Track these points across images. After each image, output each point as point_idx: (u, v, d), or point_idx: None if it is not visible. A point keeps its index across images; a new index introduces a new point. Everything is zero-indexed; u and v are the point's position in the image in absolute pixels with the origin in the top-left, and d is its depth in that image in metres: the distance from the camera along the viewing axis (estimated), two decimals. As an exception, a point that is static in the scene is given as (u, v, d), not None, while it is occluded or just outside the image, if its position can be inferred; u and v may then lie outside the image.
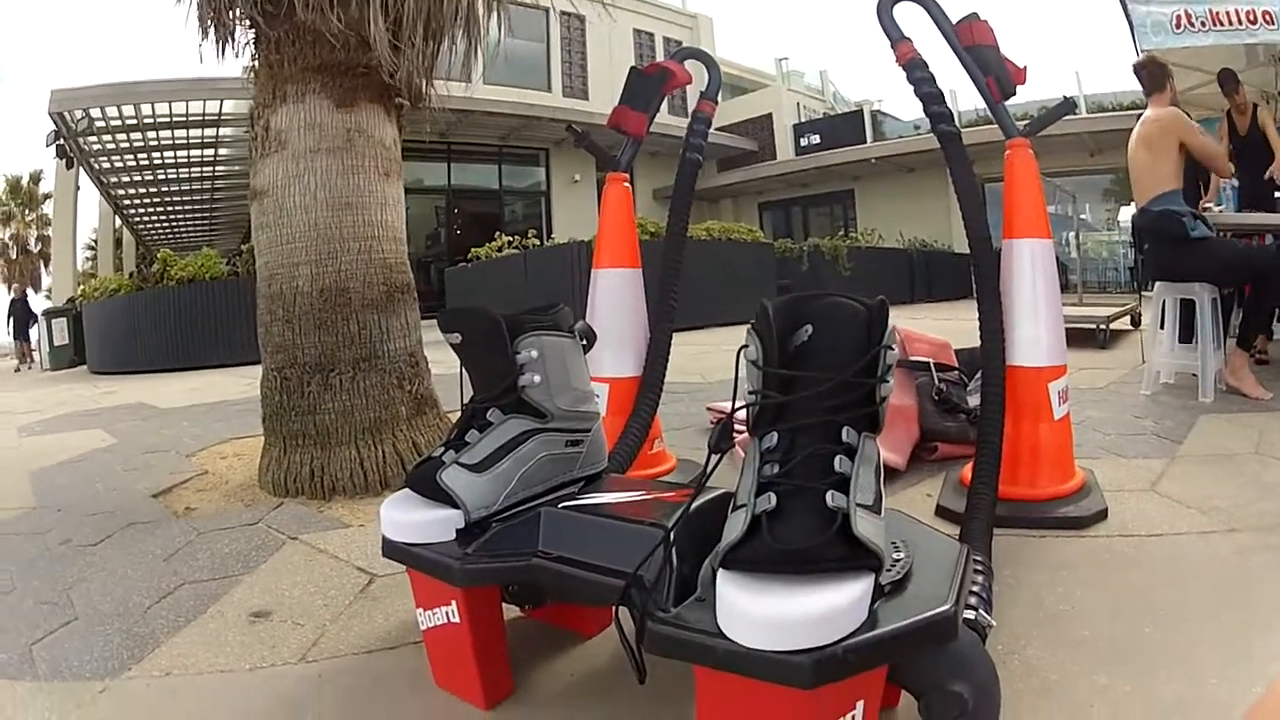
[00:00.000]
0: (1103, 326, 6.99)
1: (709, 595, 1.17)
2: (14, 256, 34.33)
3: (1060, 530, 2.38)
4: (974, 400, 3.04)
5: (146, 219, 21.37)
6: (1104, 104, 19.21)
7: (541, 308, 1.69)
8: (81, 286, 15.63)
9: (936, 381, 3.26)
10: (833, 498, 1.13)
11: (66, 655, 1.92)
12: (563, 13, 21.09)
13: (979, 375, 2.42)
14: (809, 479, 1.16)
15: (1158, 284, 4.58)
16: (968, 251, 2.43)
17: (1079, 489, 2.59)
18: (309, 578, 2.34)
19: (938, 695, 1.20)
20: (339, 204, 3.24)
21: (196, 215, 21.55)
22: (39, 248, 32.98)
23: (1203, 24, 6.07)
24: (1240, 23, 5.95)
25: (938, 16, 2.63)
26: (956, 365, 3.43)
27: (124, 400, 7.51)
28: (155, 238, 22.79)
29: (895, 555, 1.21)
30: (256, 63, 3.51)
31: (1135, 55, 6.20)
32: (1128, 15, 6.47)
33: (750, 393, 1.24)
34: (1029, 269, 2.56)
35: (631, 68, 3.11)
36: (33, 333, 19.00)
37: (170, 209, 20.60)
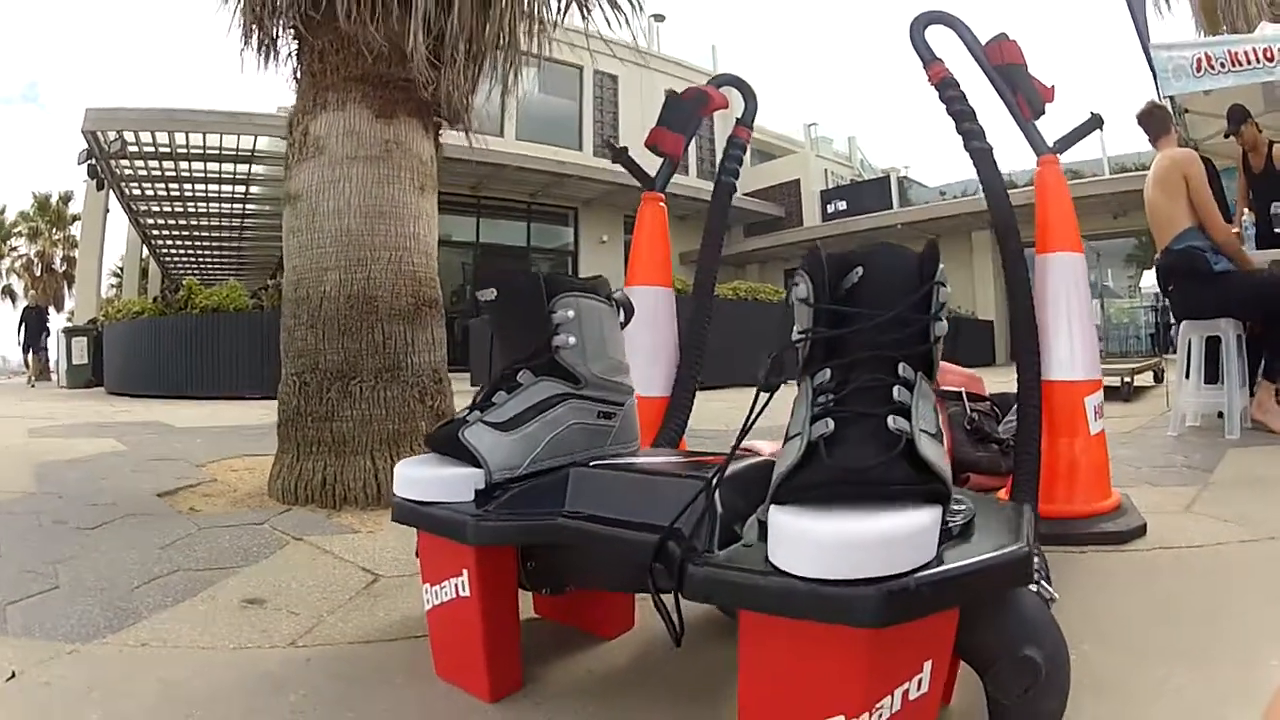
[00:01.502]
0: (1126, 380, 7.05)
1: (756, 542, 1.10)
2: (38, 274, 34.58)
3: (1100, 545, 2.35)
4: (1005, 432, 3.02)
5: (173, 251, 21.50)
6: (1127, 165, 19.22)
7: (581, 278, 1.65)
8: (105, 308, 15.69)
9: (969, 411, 3.22)
10: (894, 421, 1.08)
11: (41, 618, 1.87)
12: (596, 71, 21.29)
13: (1012, 410, 2.40)
14: (867, 406, 1.10)
15: (1184, 324, 4.57)
16: (990, 318, 2.43)
17: (1116, 507, 2.55)
18: (310, 574, 2.28)
19: (1008, 663, 1.12)
20: (372, 212, 3.25)
21: (224, 252, 21.70)
22: (64, 268, 33.25)
23: (1222, 65, 6.08)
24: (1259, 61, 5.96)
25: (967, 38, 2.63)
26: (987, 396, 3.40)
27: (139, 418, 7.52)
28: (181, 271, 22.87)
29: (956, 505, 1.13)
30: (299, 71, 3.56)
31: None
32: (1150, 61, 6.49)
33: (800, 333, 1.20)
34: (1062, 282, 2.54)
35: (669, 90, 3.10)
36: (49, 347, 19.02)
37: (198, 243, 20.74)
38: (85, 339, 15.65)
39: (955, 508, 1.11)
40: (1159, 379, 8.27)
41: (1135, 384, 7.34)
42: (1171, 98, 6.64)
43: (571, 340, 1.57)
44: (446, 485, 1.48)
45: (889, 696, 1.01)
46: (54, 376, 18.07)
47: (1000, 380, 2.34)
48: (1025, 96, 2.57)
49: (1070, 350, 2.51)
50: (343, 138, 3.29)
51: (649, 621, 1.82)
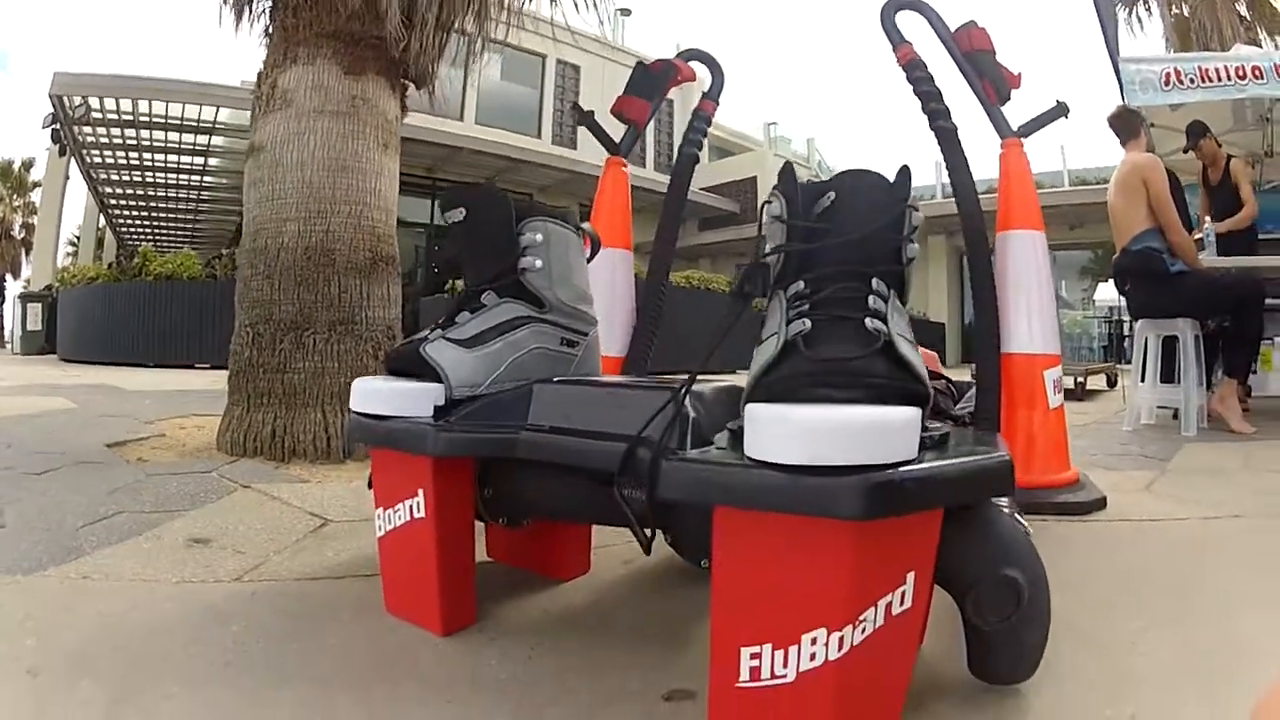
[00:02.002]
0: (1080, 380, 7.19)
1: (730, 448, 1.07)
2: (-3, 241, 34.00)
3: (1060, 515, 2.38)
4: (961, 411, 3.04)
5: (130, 220, 21.21)
6: (1086, 178, 19.47)
7: (550, 206, 1.64)
8: (60, 275, 15.48)
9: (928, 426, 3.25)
10: (871, 323, 1.07)
11: (-18, 553, 1.81)
12: (559, 61, 21.22)
13: (969, 393, 2.42)
14: (844, 310, 1.09)
15: (1140, 322, 4.64)
16: (942, 320, 2.45)
17: (1075, 481, 2.58)
18: (258, 517, 2.25)
19: (989, 585, 1.10)
20: (335, 166, 3.25)
21: (180, 223, 21.42)
22: (22, 235, 32.66)
23: (1191, 80, 6.12)
24: (1230, 78, 6.02)
25: (937, 24, 2.65)
26: (943, 374, 3.43)
27: (90, 381, 7.46)
28: (137, 242, 22.55)
29: (930, 424, 1.11)
30: (270, 27, 3.56)
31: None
32: (1117, 73, 6.55)
33: (773, 248, 1.19)
34: (1023, 259, 2.57)
35: (638, 62, 3.12)
36: (1, 316, 18.67)
37: (155, 214, 20.47)
38: (40, 305, 15.44)
39: (930, 424, 1.10)
40: (1112, 384, 8.40)
41: (1089, 386, 7.48)
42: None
43: (538, 263, 1.55)
44: (406, 400, 1.44)
45: (872, 608, 0.99)
46: (7, 345, 17.75)
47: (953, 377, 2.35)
48: (992, 82, 2.60)
49: (1029, 324, 2.53)
50: (310, 91, 3.29)
51: (605, 566, 1.82)
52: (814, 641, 0.97)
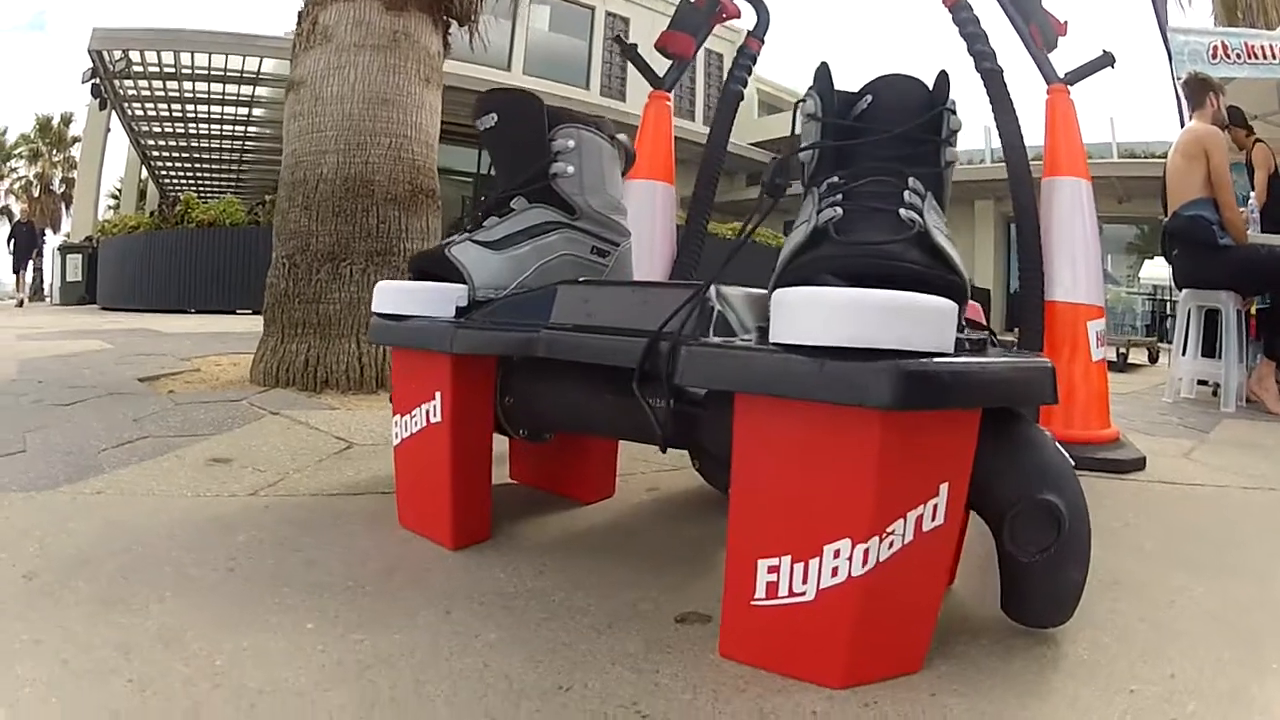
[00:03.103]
0: (1122, 351, 7.16)
1: (756, 342, 1.01)
2: (36, 194, 34.31)
3: (1098, 472, 2.30)
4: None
5: (172, 173, 21.22)
6: (1135, 151, 19.08)
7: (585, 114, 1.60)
8: (101, 226, 15.54)
9: (967, 333, 3.19)
10: (906, 213, 1.02)
11: (0, 475, 1.80)
12: (608, 13, 21.01)
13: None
14: (879, 202, 1.04)
15: (1184, 292, 4.54)
16: (988, 287, 2.40)
17: (1115, 439, 2.51)
18: (282, 440, 2.24)
19: (1027, 509, 1.03)
20: (375, 99, 3.22)
21: (224, 174, 21.41)
22: (62, 189, 32.98)
23: (1238, 56, 6.02)
24: (1276, 57, 5.89)
25: (984, -36, 2.58)
26: (986, 325, 3.37)
27: (129, 326, 7.38)
28: (179, 192, 22.69)
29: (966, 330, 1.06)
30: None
31: (1172, 89, 6.17)
32: (1166, 43, 6.43)
33: (805, 146, 1.15)
34: (1069, 207, 2.50)
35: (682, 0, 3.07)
36: (42, 268, 18.70)
37: (198, 165, 20.47)
38: (80, 256, 15.44)
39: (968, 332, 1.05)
40: (1154, 359, 8.29)
41: (1130, 359, 7.40)
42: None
43: (570, 169, 1.51)
44: (427, 299, 1.42)
45: (901, 520, 0.92)
46: (47, 298, 17.85)
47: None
48: (1039, 26, 2.55)
49: (1074, 272, 2.47)
50: (351, 27, 3.25)
51: (629, 491, 1.79)
52: (837, 554, 0.92)
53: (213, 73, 15.43)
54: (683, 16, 2.97)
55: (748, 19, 3.07)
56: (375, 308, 1.50)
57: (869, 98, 1.13)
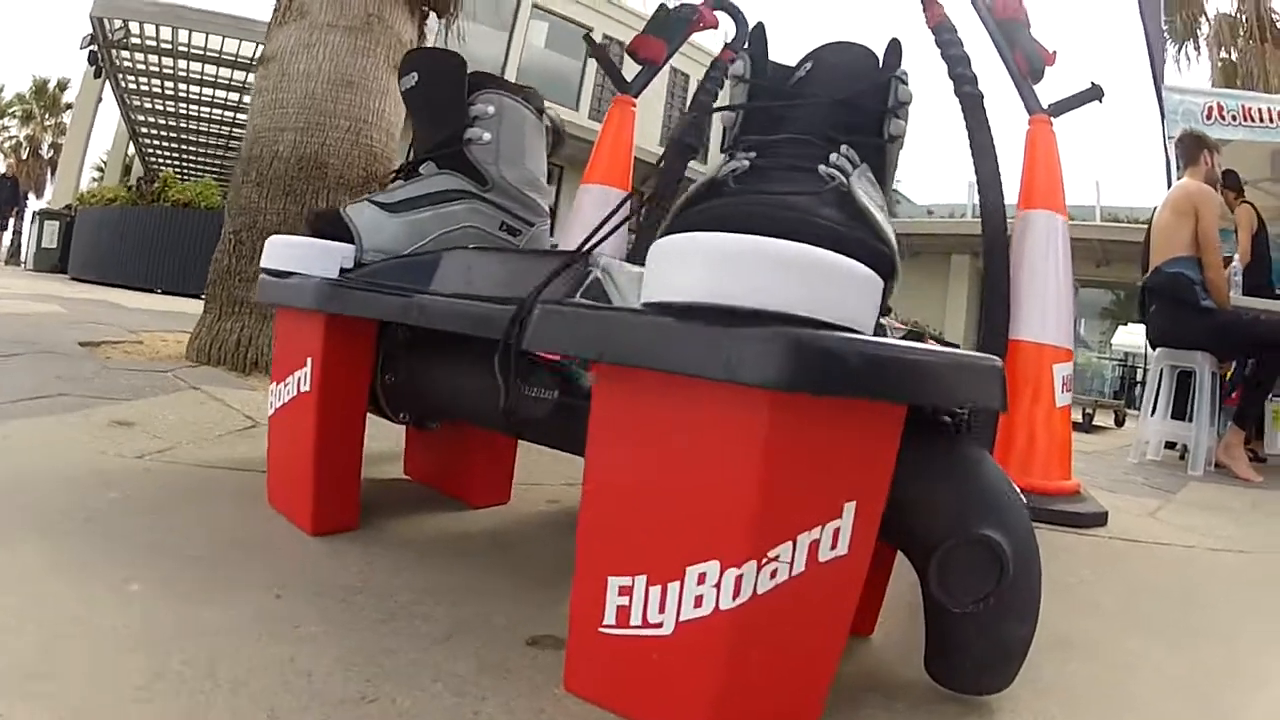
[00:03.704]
0: (1089, 411, 7.06)
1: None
2: (25, 157, 34.13)
3: (1055, 526, 2.15)
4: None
5: (159, 151, 21.07)
6: (1119, 215, 19.09)
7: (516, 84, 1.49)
8: (80, 194, 15.41)
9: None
10: (826, 169, 0.87)
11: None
12: (605, 35, 21.02)
13: None
14: (797, 159, 0.89)
15: (1158, 350, 4.45)
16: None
17: (1075, 491, 2.37)
18: (193, 413, 2.18)
19: (961, 546, 0.86)
20: (341, 80, 3.13)
21: (209, 157, 21.25)
22: (50, 154, 32.83)
23: (1234, 118, 5.97)
24: (1273, 121, 5.84)
25: (972, -12, 2.48)
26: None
27: (92, 296, 7.35)
28: (162, 170, 22.60)
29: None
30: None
31: (1163, 149, 6.13)
32: (1160, 100, 6.37)
33: (722, 106, 1.00)
34: (1043, 242, 2.39)
35: (661, 4, 2.99)
36: (20, 232, 18.47)
37: (184, 144, 20.30)
38: (58, 223, 15.29)
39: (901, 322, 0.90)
40: (1120, 423, 8.27)
41: (1096, 421, 7.32)
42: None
43: (485, 136, 1.40)
44: (312, 256, 1.30)
45: (789, 544, 0.75)
46: (23, 262, 17.67)
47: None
48: (1025, 54, 2.45)
49: (1042, 311, 2.34)
50: (327, 4, 3.17)
51: (527, 500, 1.69)
52: (701, 579, 0.74)
53: (208, 53, 15.38)
54: (658, 22, 2.89)
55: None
56: (263, 263, 1.39)
57: (810, 64, 0.99)
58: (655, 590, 0.77)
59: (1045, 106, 2.47)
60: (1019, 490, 0.93)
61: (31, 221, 16.94)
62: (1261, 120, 6.02)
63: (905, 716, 0.90)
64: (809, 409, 0.71)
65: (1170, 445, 4.79)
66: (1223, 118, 6.06)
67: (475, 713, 0.80)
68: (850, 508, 0.78)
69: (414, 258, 1.30)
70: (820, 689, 0.83)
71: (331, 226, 1.33)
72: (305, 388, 1.29)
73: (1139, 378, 12.33)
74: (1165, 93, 6.41)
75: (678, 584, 0.75)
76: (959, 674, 0.92)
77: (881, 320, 0.84)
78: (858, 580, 0.83)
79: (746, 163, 0.88)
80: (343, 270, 1.29)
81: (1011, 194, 2.37)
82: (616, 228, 0.97)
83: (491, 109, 1.40)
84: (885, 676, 1.01)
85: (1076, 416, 6.65)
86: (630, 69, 2.94)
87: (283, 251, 1.34)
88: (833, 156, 0.89)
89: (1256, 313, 4.29)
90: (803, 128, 0.92)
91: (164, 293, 10.11)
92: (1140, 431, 4.58)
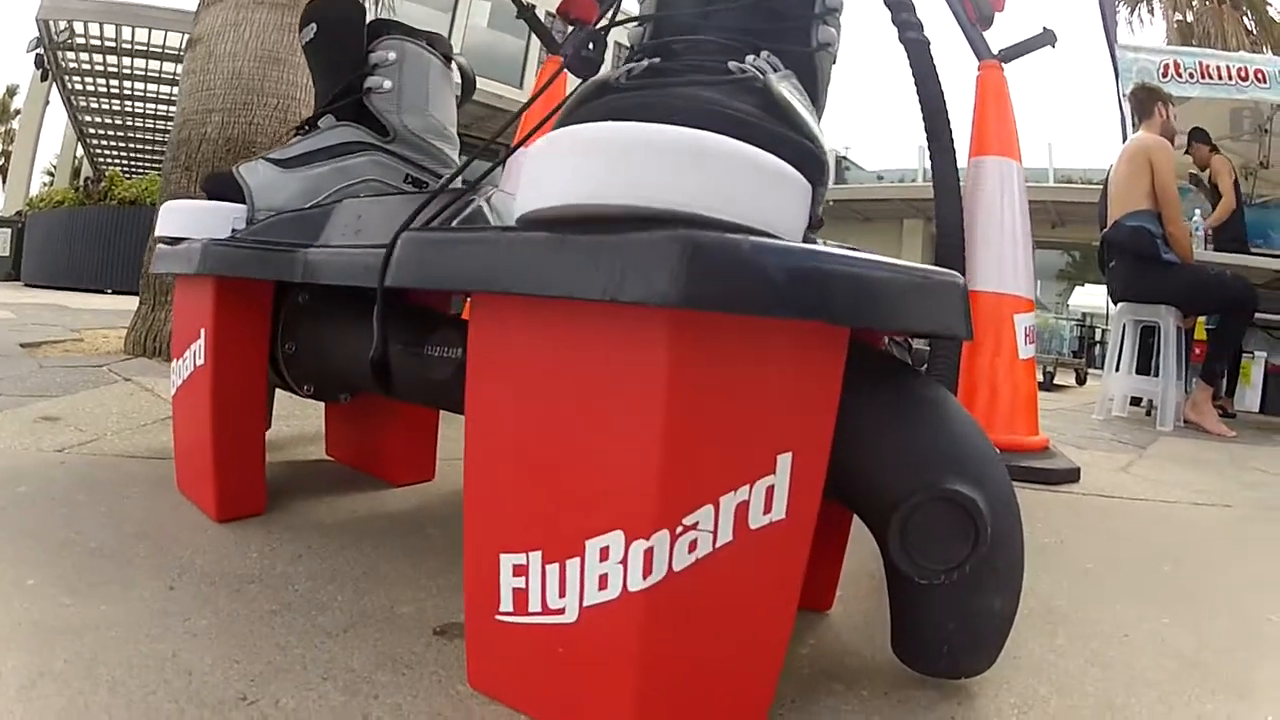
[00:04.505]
0: (1049, 370, 7.11)
1: None
2: (-24, 166, 33.76)
3: (1025, 483, 2.04)
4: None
5: (107, 150, 20.80)
6: (1072, 177, 19.11)
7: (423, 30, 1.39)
8: (29, 200, 15.24)
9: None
10: (738, 65, 0.74)
11: None
12: (548, 12, 20.88)
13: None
14: (704, 59, 0.77)
15: (1120, 304, 4.37)
16: None
17: (1044, 447, 2.28)
18: (119, 404, 2.13)
19: (926, 505, 0.72)
20: (267, 57, 3.11)
21: (157, 155, 21.03)
22: (1, 162, 32.45)
23: (1191, 75, 5.89)
24: (1231, 78, 5.78)
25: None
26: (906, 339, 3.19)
27: (41, 301, 7.38)
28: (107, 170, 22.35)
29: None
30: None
31: (1118, 109, 6.07)
32: (1114, 59, 6.30)
33: (627, 19, 0.87)
34: (998, 188, 2.30)
35: (591, -36, 2.90)
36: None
37: (131, 144, 20.02)
38: (9, 231, 15.13)
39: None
40: (1081, 381, 8.28)
41: (1057, 380, 7.35)
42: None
43: (386, 84, 1.31)
44: (203, 219, 1.21)
45: (710, 508, 0.61)
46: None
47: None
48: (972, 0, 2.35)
49: (999, 260, 2.26)
50: (252, -18, 3.15)
51: (454, 478, 1.60)
52: (605, 554, 0.62)
53: (151, 49, 15.24)
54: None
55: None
56: (157, 231, 1.30)
57: None
58: (553, 569, 0.65)
59: (996, 52, 2.40)
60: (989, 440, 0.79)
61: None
62: (1220, 78, 5.94)
63: (870, 704, 0.78)
64: (721, 336, 0.60)
65: (1135, 402, 4.76)
66: (1179, 75, 5.97)
67: (364, 715, 0.70)
68: (785, 461, 0.64)
69: (304, 212, 1.21)
70: (765, 679, 0.70)
71: (223, 187, 1.24)
72: (200, 361, 1.19)
73: (1098, 338, 12.31)
74: (1119, 51, 6.31)
75: (577, 561, 0.63)
76: (931, 655, 0.78)
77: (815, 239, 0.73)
78: (801, 550, 0.68)
79: (645, 63, 0.77)
80: (234, 231, 1.20)
81: (963, 142, 2.28)
82: (505, 157, 0.86)
83: (392, 55, 1.31)
84: (847, 659, 0.89)
85: (1038, 376, 6.65)
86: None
87: (174, 217, 1.25)
88: (750, 58, 0.76)
89: (1221, 269, 4.24)
90: (715, 33, 0.80)
91: (114, 293, 10.13)
92: (1104, 388, 4.51)
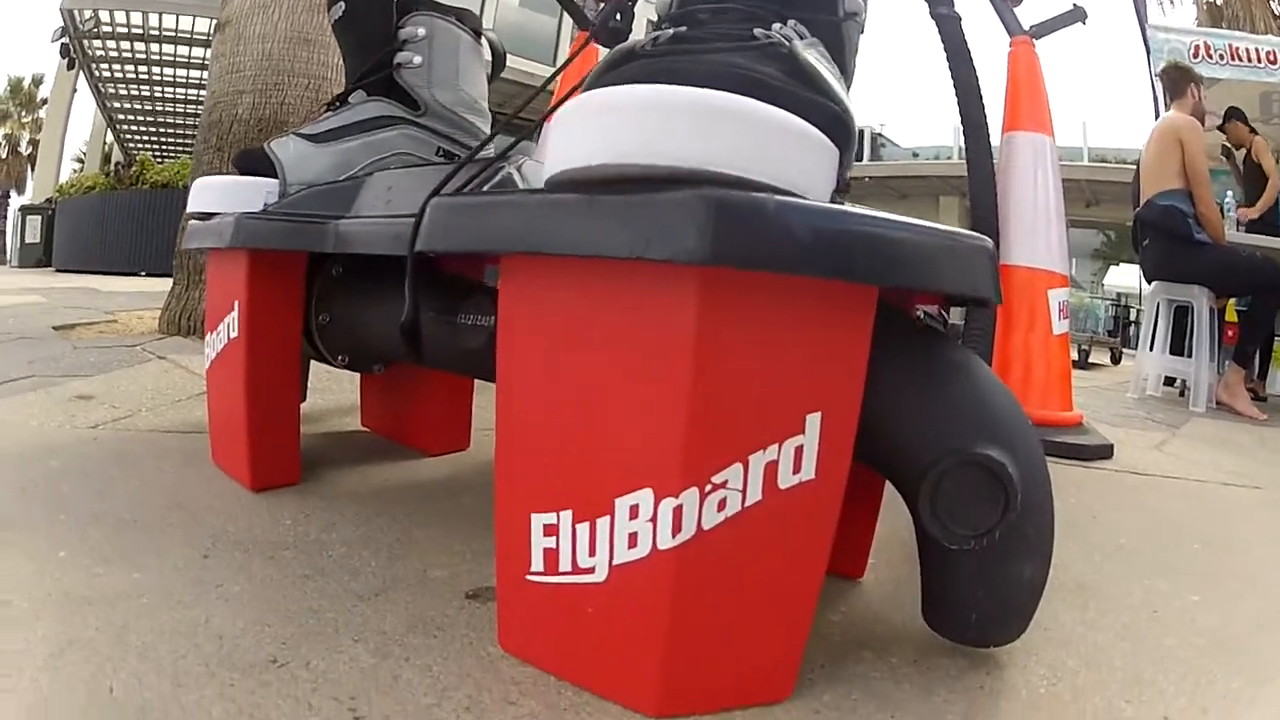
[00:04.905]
0: (1084, 348, 7.07)
1: None
2: (4, 156, 34.00)
3: (1058, 459, 2.02)
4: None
5: (137, 137, 20.91)
6: (1106, 156, 18.89)
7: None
8: (59, 186, 15.33)
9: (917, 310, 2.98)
10: (763, 32, 0.74)
11: None
12: (580, -8, 20.85)
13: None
14: (729, 27, 0.76)
15: (1154, 284, 4.33)
16: None
17: (1078, 423, 2.26)
18: (154, 382, 2.13)
19: (956, 470, 0.71)
20: (297, 38, 3.10)
21: (187, 139, 21.17)
22: (29, 151, 32.69)
23: (1221, 57, 5.83)
24: (1260, 61, 5.72)
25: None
26: (937, 301, 3.16)
27: (73, 285, 7.36)
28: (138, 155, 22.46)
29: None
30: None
31: (1150, 89, 6.01)
32: (1145, 39, 6.24)
33: None
34: (1030, 164, 2.28)
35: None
36: (4, 232, 18.44)
37: (162, 129, 20.12)
38: (40, 218, 15.22)
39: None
40: (1116, 360, 8.23)
41: (1092, 359, 7.32)
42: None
43: (417, 60, 1.31)
44: (236, 194, 1.22)
45: (739, 466, 0.62)
46: (7, 260, 17.62)
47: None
48: (1003, -25, 2.35)
49: (1033, 234, 2.24)
50: (281, -35, 3.16)
51: (486, 447, 1.61)
52: (634, 512, 0.62)
53: (179, 35, 15.26)
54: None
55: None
56: (189, 207, 1.31)
57: None
58: (583, 529, 0.65)
59: (1027, 28, 2.38)
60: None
61: (13, 219, 16.85)
62: (1249, 60, 5.89)
63: (899, 672, 0.78)
64: (748, 294, 0.60)
65: (1169, 382, 4.71)
66: (1210, 56, 5.92)
67: (395, 677, 0.70)
68: (815, 421, 0.64)
69: (335, 184, 1.22)
70: (794, 641, 0.70)
71: (255, 163, 1.25)
72: (234, 333, 1.21)
73: (1133, 317, 12.19)
74: (1150, 31, 6.27)
75: (607, 520, 0.64)
76: (960, 622, 0.77)
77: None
78: (830, 511, 0.68)
79: (670, 32, 0.76)
80: (266, 206, 1.20)
81: (995, 119, 2.26)
82: (536, 125, 0.87)
83: (422, 31, 1.31)
84: (877, 626, 0.89)
85: (1073, 355, 6.60)
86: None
87: (206, 192, 1.27)
88: (776, 26, 0.76)
89: (1252, 250, 4.19)
90: (741, 1, 0.79)
91: (148, 275, 10.09)
92: (1138, 367, 4.47)
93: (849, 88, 0.83)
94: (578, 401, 0.66)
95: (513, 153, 0.88)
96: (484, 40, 1.42)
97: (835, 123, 0.69)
